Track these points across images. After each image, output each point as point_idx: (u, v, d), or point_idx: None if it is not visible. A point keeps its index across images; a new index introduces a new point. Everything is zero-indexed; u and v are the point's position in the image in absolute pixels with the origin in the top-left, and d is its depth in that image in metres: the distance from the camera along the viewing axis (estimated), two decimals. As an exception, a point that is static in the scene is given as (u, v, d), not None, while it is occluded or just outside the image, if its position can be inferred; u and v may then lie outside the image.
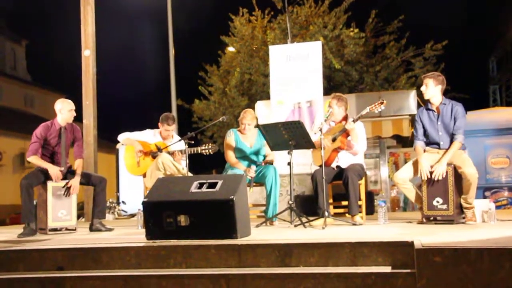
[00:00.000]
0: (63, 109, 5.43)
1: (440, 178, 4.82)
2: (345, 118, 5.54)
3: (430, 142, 5.13)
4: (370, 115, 9.12)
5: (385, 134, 9.93)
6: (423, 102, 10.18)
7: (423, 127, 5.16)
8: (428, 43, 13.18)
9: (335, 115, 5.52)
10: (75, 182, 5.37)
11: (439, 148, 5.06)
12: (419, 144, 5.15)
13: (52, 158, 5.43)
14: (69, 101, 5.53)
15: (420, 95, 10.02)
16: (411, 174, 5.12)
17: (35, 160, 5.29)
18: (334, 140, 5.44)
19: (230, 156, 5.75)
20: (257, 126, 5.65)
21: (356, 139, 5.38)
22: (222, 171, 5.89)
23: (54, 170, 5.28)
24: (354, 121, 5.36)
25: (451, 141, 4.99)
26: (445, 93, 5.21)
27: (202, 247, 3.67)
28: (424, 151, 5.15)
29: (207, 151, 5.78)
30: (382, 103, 5.36)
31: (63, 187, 5.32)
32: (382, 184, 10.79)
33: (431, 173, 4.88)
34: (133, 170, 6.06)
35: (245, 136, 5.79)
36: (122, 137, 6.13)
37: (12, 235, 5.12)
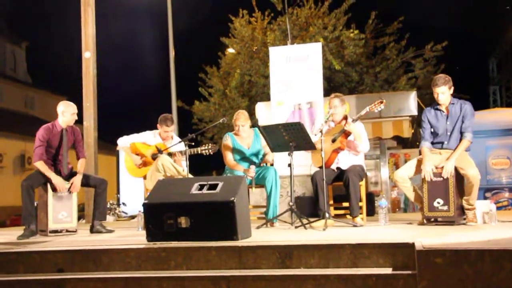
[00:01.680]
0: (66, 111, 5.42)
1: (449, 175, 4.80)
2: (345, 119, 5.54)
3: (434, 142, 5.11)
4: (371, 116, 9.13)
5: (386, 135, 9.94)
6: (423, 103, 10.19)
7: (431, 127, 5.13)
8: (428, 44, 13.20)
9: (338, 114, 5.51)
10: (76, 180, 5.37)
11: (442, 148, 5.05)
12: (426, 145, 5.09)
13: (54, 160, 5.42)
14: (72, 104, 5.52)
15: (420, 96, 10.06)
16: (412, 173, 5.10)
17: (42, 166, 5.26)
18: (333, 141, 5.43)
19: (229, 159, 5.74)
20: (258, 127, 5.65)
21: (360, 139, 5.38)
22: (222, 173, 5.88)
23: (58, 180, 5.26)
24: (353, 121, 5.35)
25: (457, 142, 4.98)
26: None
27: (202, 249, 3.67)
28: (428, 151, 5.13)
29: (207, 151, 5.77)
30: (381, 102, 5.35)
31: (66, 186, 5.32)
32: (383, 185, 10.78)
33: (434, 174, 4.88)
34: (134, 172, 6.06)
35: (241, 138, 5.78)
36: (121, 143, 6.11)
37: (12, 237, 5.12)
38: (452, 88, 5.05)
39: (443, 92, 5.01)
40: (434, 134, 5.11)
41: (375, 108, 5.36)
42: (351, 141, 5.44)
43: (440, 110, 5.10)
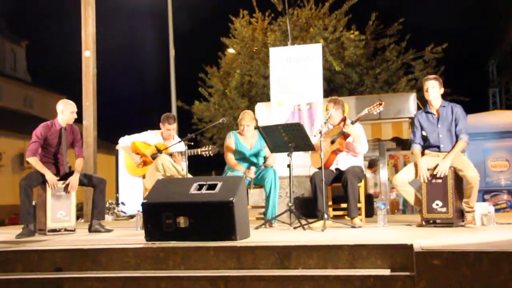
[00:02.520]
0: (65, 110, 5.42)
1: (443, 175, 4.81)
2: (343, 120, 5.54)
3: (430, 145, 5.12)
4: (370, 118, 9.12)
5: (385, 136, 9.94)
6: (423, 105, 10.19)
7: (422, 130, 5.15)
8: (428, 45, 13.21)
9: (333, 118, 5.51)
10: (73, 179, 5.36)
11: (439, 151, 5.06)
12: (417, 147, 5.14)
13: (54, 159, 5.42)
14: (72, 102, 5.52)
15: (420, 98, 10.05)
16: (411, 177, 5.10)
17: (34, 162, 5.26)
18: (332, 142, 5.44)
19: (230, 158, 5.75)
20: (257, 128, 5.65)
21: (358, 141, 5.38)
22: (222, 173, 5.89)
23: (51, 177, 5.24)
24: (352, 122, 5.35)
25: (452, 144, 4.99)
26: (445, 96, 5.22)
27: (201, 249, 3.67)
28: (423, 154, 5.14)
29: (207, 153, 5.77)
30: (380, 104, 5.35)
31: (64, 185, 5.32)
32: (382, 186, 10.78)
33: (431, 175, 4.89)
34: (133, 171, 6.07)
35: (245, 138, 5.79)
36: (123, 143, 6.12)
37: (10, 236, 5.11)
38: (443, 89, 5.08)
39: (433, 86, 5.05)
40: (426, 137, 5.12)
41: (374, 110, 5.36)
42: (350, 142, 5.44)
43: (431, 113, 5.12)
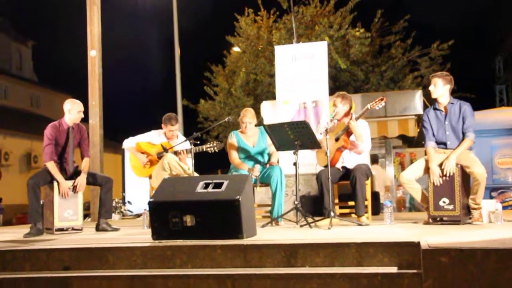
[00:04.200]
0: (72, 109, 5.44)
1: (449, 174, 4.80)
2: (347, 115, 5.51)
3: (437, 142, 5.11)
4: (376, 115, 9.11)
5: (391, 134, 9.92)
6: (429, 102, 10.17)
7: (431, 126, 5.14)
8: (434, 43, 13.15)
9: (339, 113, 5.50)
10: (81, 179, 5.39)
11: (446, 148, 5.04)
12: (431, 145, 5.08)
13: (60, 158, 5.44)
14: (79, 102, 5.54)
15: (426, 95, 10.02)
16: (418, 174, 5.09)
17: (51, 166, 5.28)
18: (337, 139, 5.42)
19: (234, 157, 5.75)
20: (263, 125, 5.65)
21: (361, 138, 5.35)
22: (228, 172, 5.89)
23: (64, 185, 5.28)
24: (356, 119, 5.33)
25: (458, 141, 4.98)
26: (452, 93, 5.20)
27: (208, 247, 3.68)
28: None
29: (212, 149, 5.77)
30: (382, 99, 5.33)
31: (71, 186, 5.34)
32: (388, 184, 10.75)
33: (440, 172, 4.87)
34: (139, 172, 6.08)
35: (247, 136, 5.79)
36: (127, 144, 6.13)
37: (18, 235, 5.14)
38: (449, 86, 5.06)
39: (434, 83, 5.06)
40: (434, 134, 5.10)
41: (376, 106, 5.33)
42: (354, 140, 5.41)
43: (439, 109, 5.12)
